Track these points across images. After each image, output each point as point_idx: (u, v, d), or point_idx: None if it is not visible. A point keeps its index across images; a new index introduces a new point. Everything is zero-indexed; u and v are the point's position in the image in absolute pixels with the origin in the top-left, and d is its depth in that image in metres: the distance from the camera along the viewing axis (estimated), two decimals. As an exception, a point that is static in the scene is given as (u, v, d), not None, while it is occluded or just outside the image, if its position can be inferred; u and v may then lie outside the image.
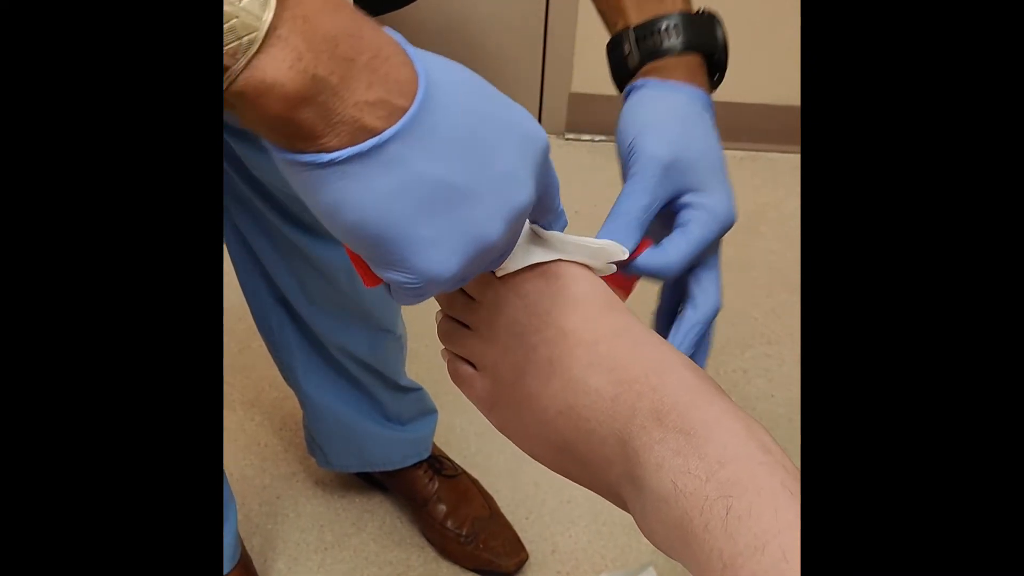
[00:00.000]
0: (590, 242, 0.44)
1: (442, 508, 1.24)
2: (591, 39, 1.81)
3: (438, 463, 1.27)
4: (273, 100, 0.30)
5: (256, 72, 0.29)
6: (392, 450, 1.23)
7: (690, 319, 0.49)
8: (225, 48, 0.29)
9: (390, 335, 1.14)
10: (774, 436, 0.37)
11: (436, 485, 1.25)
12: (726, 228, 0.49)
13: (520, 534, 1.25)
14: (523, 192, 0.35)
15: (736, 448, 0.35)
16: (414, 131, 0.32)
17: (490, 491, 1.29)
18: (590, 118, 1.93)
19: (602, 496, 0.41)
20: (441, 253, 0.34)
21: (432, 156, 0.32)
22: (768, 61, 1.82)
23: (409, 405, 1.22)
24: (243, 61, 0.29)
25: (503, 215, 0.35)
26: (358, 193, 0.32)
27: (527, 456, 0.44)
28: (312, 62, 0.30)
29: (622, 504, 0.39)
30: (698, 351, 0.50)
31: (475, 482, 1.29)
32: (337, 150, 0.31)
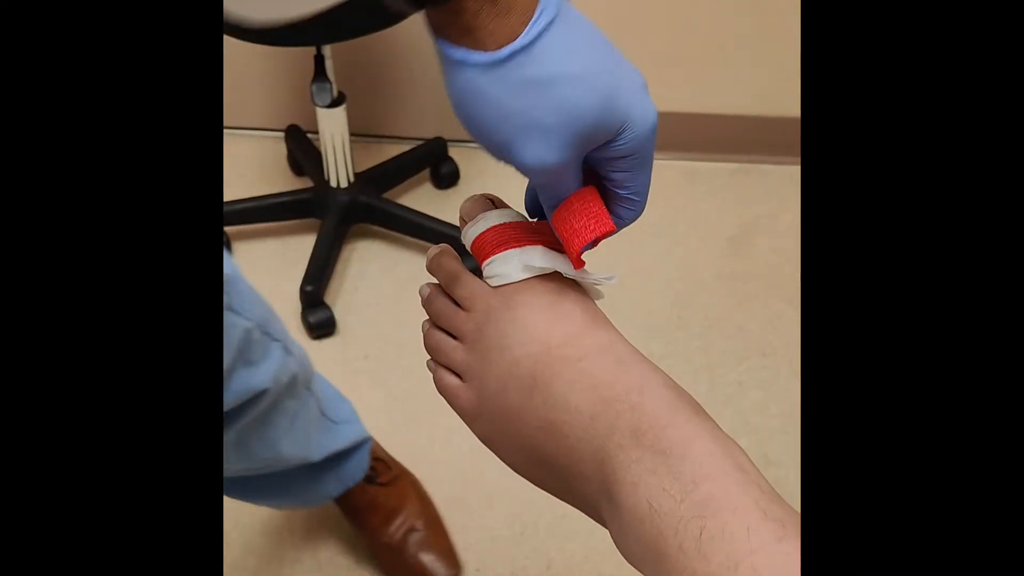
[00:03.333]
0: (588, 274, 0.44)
1: (375, 517, 1.19)
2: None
3: (372, 471, 1.20)
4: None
5: None
6: (319, 496, 1.17)
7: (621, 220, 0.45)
8: None
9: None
10: (768, 448, 0.37)
11: (370, 495, 1.19)
12: (651, 138, 0.42)
13: (515, 549, 1.24)
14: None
15: (711, 467, 0.36)
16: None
17: (483, 507, 1.28)
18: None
19: (580, 511, 0.41)
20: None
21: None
22: (760, 73, 1.82)
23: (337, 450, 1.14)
24: None
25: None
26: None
27: None
28: None
29: (600, 520, 0.40)
30: None
31: (414, 486, 1.24)
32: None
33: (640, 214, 0.44)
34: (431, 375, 0.47)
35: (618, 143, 0.41)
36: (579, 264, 0.43)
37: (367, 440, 1.19)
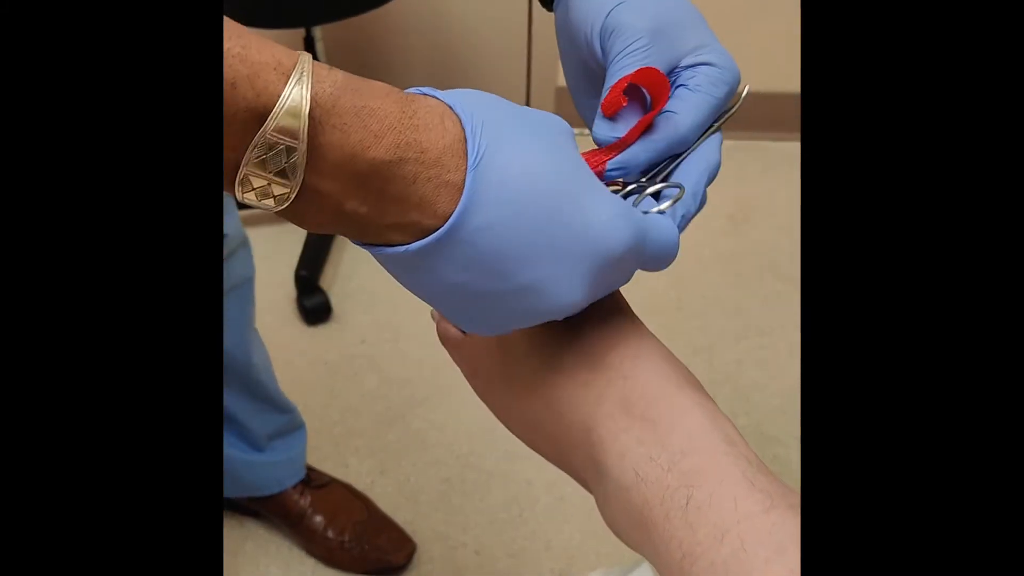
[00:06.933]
0: None
1: (319, 520, 1.22)
2: (577, 31, 1.79)
3: (307, 476, 1.24)
4: (310, 226, 0.33)
5: (289, 214, 0.32)
6: (267, 475, 1.20)
7: (700, 165, 0.43)
8: (260, 202, 0.31)
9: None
10: (768, 427, 0.37)
11: (309, 499, 1.23)
12: (735, 83, 0.44)
13: (513, 531, 1.24)
14: (552, 302, 0.35)
15: (699, 438, 0.35)
16: (437, 248, 0.33)
17: (482, 489, 1.28)
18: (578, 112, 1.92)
19: (570, 476, 0.41)
20: (475, 328, 0.38)
21: (455, 268, 0.33)
22: (757, 49, 1.81)
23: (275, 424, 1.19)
24: (279, 209, 0.31)
25: (518, 318, 0.36)
26: (402, 277, 0.36)
27: (519, 455, 0.44)
28: (340, 200, 0.32)
29: (587, 487, 0.40)
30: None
31: (347, 487, 1.27)
32: (379, 246, 0.34)
33: (690, 125, 0.42)
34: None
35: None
36: (616, 101, 0.40)
37: (303, 427, 1.23)
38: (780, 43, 1.67)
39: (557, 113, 0.41)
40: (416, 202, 0.32)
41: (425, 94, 0.34)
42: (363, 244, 0.35)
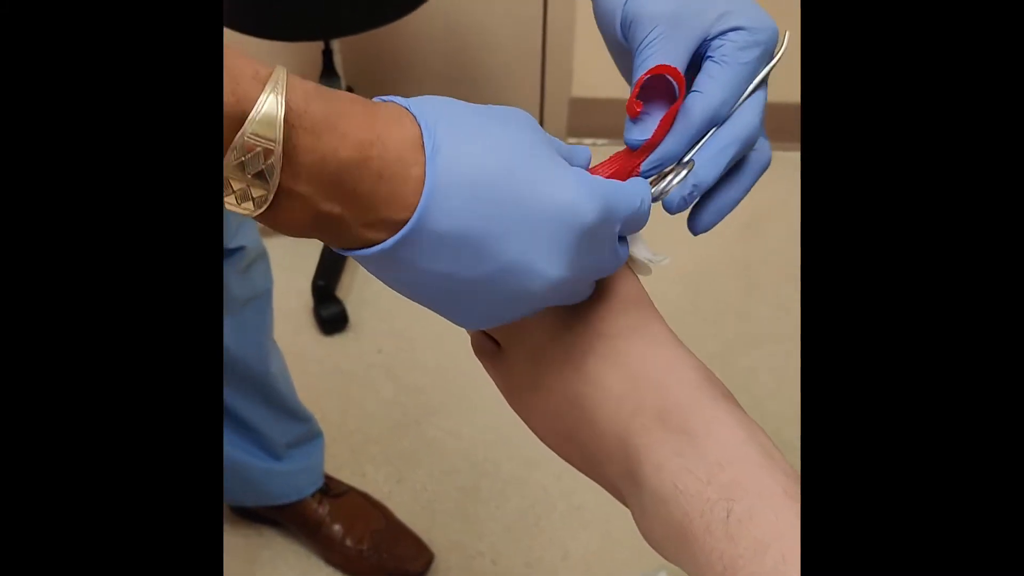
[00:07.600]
0: (639, 247, 0.43)
1: (338, 528, 1.22)
2: (590, 43, 1.80)
3: (325, 485, 1.25)
4: (291, 229, 0.34)
5: (270, 219, 0.34)
6: (285, 484, 1.21)
7: (725, 136, 0.43)
8: (240, 205, 0.32)
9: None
10: (785, 434, 0.37)
11: (327, 508, 1.23)
12: (770, 38, 0.44)
13: (530, 540, 1.24)
14: (536, 279, 0.35)
15: (737, 450, 0.35)
16: (411, 239, 0.34)
17: (498, 498, 1.28)
18: (591, 122, 1.92)
19: (603, 487, 0.41)
20: (470, 322, 0.39)
21: (433, 257, 0.35)
22: (769, 59, 1.81)
23: (293, 432, 1.20)
24: (259, 212, 0.33)
25: (509, 303, 0.37)
26: (388, 279, 0.37)
27: (535, 462, 0.44)
28: (316, 202, 0.33)
29: (621, 498, 0.40)
30: (743, 174, 0.46)
31: (365, 496, 1.28)
32: (357, 249, 0.35)
33: (718, 102, 0.42)
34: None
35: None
36: (631, 108, 0.41)
37: (321, 435, 1.24)
38: (790, 54, 1.67)
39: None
40: (385, 197, 0.33)
41: (386, 101, 0.35)
42: (344, 250, 0.36)
